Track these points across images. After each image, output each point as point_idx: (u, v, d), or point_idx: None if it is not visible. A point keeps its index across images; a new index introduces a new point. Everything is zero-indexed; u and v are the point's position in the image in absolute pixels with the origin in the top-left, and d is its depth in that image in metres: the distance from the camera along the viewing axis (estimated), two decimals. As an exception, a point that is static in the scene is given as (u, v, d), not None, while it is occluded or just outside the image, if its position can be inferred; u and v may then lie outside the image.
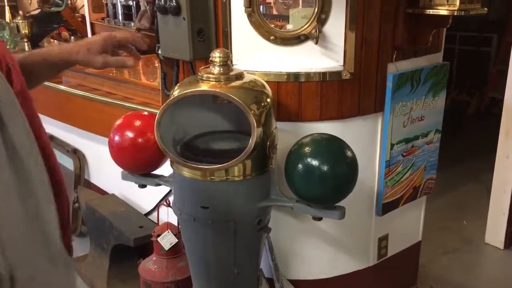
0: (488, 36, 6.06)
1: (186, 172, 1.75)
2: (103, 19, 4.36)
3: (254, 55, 1.96)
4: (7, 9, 4.50)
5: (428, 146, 2.33)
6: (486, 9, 1.92)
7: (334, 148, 1.74)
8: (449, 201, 3.75)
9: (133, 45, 1.47)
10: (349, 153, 1.71)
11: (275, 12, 2.38)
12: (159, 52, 2.11)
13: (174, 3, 1.91)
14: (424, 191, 2.42)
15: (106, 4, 4.21)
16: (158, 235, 2.30)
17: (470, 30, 5.98)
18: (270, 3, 2.40)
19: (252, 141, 1.62)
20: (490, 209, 3.20)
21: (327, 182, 1.67)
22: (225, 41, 1.97)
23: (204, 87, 1.71)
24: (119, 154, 1.94)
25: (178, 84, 1.82)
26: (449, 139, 3.24)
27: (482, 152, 4.00)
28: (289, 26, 2.05)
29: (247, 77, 1.78)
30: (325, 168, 1.65)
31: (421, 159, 2.33)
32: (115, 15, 4.09)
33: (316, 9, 1.87)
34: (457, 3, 1.82)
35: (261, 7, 2.24)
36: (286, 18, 2.18)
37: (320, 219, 1.79)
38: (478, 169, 4.14)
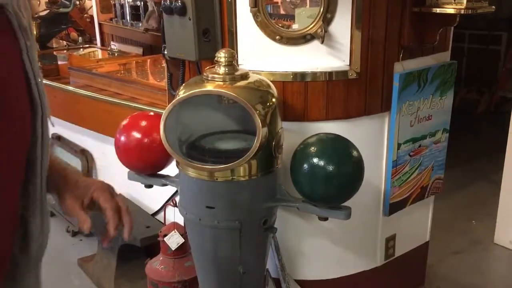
0: (498, 34, 6.02)
1: (192, 172, 1.75)
2: (111, 19, 4.39)
3: (260, 55, 1.96)
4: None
5: (435, 146, 2.32)
6: (493, 7, 1.90)
7: (339, 148, 1.73)
8: (457, 200, 3.72)
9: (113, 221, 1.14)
10: (355, 153, 1.70)
11: (282, 12, 2.38)
12: (165, 52, 2.11)
13: (180, 4, 1.91)
14: (432, 191, 2.40)
15: (114, 5, 4.23)
16: (165, 235, 2.30)
17: (479, 28, 5.93)
18: (277, 2, 2.40)
19: (257, 141, 1.62)
20: (499, 209, 3.17)
21: (333, 182, 1.66)
22: (231, 41, 1.97)
23: (209, 87, 1.71)
24: (125, 154, 1.94)
25: (183, 85, 1.83)
26: (458, 138, 3.22)
27: (492, 151, 3.97)
28: (295, 26, 2.04)
29: (253, 77, 1.77)
30: (330, 168, 1.65)
31: (429, 158, 2.31)
32: (123, 16, 4.12)
33: (321, 9, 1.87)
34: (464, 1, 1.80)
35: (269, 6, 2.23)
36: (293, 18, 2.17)
37: (326, 219, 1.78)
38: (488, 168, 4.11)
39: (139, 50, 4.08)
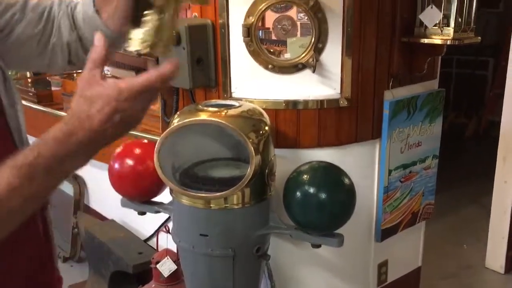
0: (485, 60, 6.14)
1: (185, 200, 1.76)
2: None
3: (252, 83, 1.99)
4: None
5: (426, 172, 2.35)
6: (479, 38, 1.96)
7: (331, 176, 1.75)
8: (448, 225, 3.75)
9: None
10: (346, 181, 1.73)
11: (274, 38, 2.42)
12: (159, 80, 2.13)
13: (174, 33, 1.94)
14: (423, 216, 2.43)
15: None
16: (157, 262, 2.30)
17: (467, 54, 6.05)
18: (269, 28, 2.44)
19: (250, 169, 1.63)
20: (490, 233, 3.19)
21: (325, 210, 1.68)
22: (224, 69, 2.00)
23: (203, 116, 1.72)
24: (119, 181, 1.95)
25: (177, 113, 1.85)
26: (447, 162, 3.26)
27: (481, 175, 4.01)
28: (287, 55, 2.08)
29: (245, 106, 1.80)
30: (323, 196, 1.67)
31: (419, 184, 2.34)
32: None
33: (313, 39, 1.91)
34: (451, 32, 1.86)
35: (260, 32, 2.27)
36: (285, 43, 2.21)
37: (319, 246, 1.79)
38: (477, 192, 4.14)
39: (132, 75, 4.10)
